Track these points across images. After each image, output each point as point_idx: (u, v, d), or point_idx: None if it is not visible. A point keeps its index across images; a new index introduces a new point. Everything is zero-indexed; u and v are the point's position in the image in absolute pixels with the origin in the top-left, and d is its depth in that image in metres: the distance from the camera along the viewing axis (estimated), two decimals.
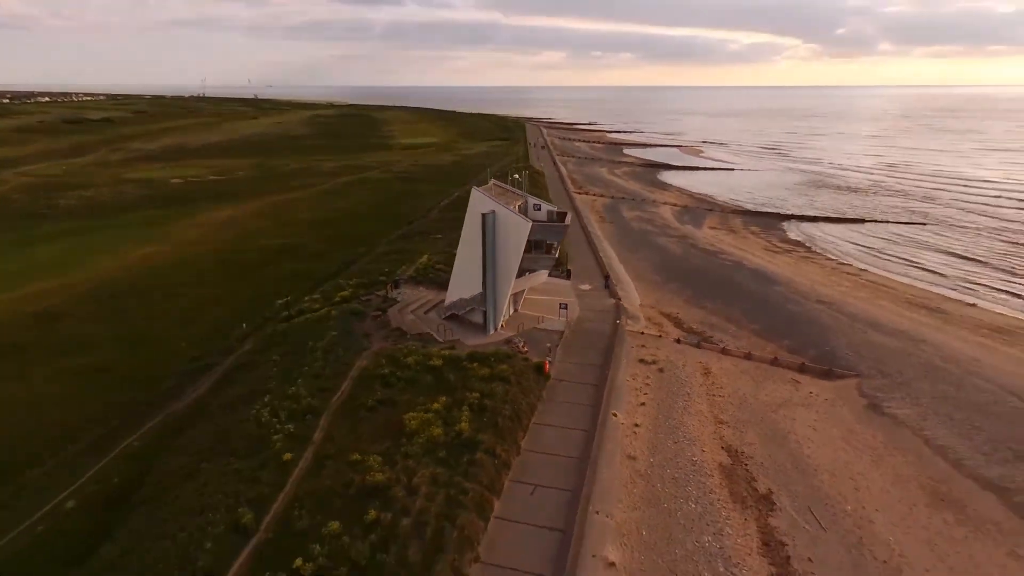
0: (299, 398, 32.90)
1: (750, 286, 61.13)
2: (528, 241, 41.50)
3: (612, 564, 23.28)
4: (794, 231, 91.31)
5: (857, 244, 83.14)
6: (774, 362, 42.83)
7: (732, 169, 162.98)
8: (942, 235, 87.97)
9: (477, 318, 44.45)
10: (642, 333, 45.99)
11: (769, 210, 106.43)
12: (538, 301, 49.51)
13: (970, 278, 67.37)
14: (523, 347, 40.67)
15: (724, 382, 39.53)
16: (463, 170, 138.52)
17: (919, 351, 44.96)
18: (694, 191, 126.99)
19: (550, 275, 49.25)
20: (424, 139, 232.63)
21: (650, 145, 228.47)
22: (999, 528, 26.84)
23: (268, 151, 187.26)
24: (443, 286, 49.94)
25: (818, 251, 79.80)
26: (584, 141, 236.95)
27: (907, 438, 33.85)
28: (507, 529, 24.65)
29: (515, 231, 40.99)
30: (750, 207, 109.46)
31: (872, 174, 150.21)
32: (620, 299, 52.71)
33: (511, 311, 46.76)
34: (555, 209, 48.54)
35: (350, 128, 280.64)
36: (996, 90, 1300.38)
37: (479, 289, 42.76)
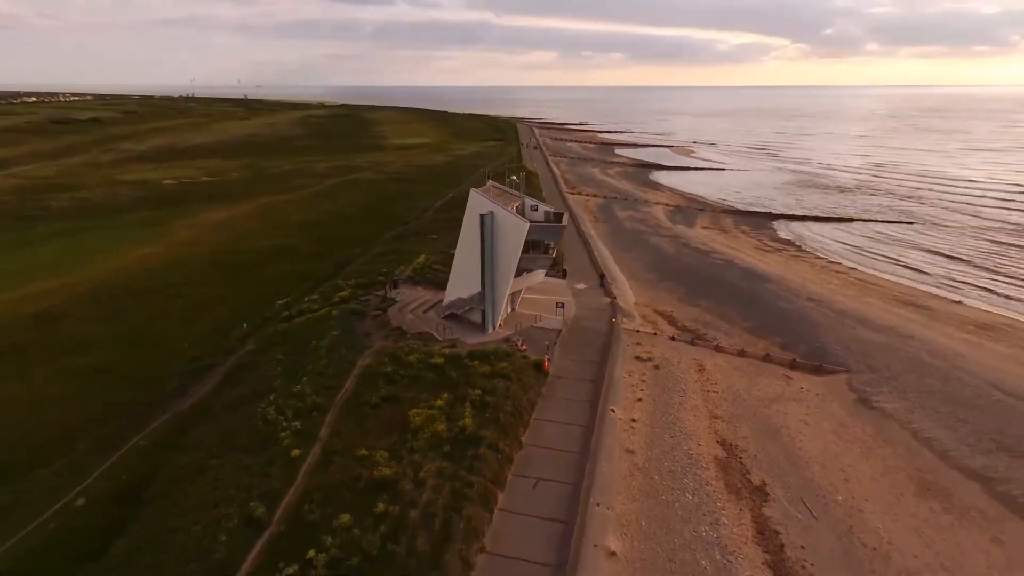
0: (304, 396, 33.56)
1: (742, 284, 62.25)
2: (526, 241, 42.32)
3: (613, 553, 24.13)
4: (784, 230, 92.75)
5: (845, 243, 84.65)
6: (766, 358, 43.89)
7: (722, 169, 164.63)
8: (928, 234, 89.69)
9: (476, 317, 45.21)
10: (637, 331, 46.92)
11: (759, 210, 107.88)
12: (535, 300, 50.35)
13: (954, 276, 68.93)
14: (522, 345, 41.49)
15: (718, 378, 40.52)
16: (456, 171, 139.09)
17: (906, 347, 46.19)
18: (685, 191, 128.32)
19: (547, 275, 50.09)
20: (416, 139, 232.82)
21: (641, 145, 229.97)
22: (983, 515, 27.95)
23: (260, 152, 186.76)
24: (441, 286, 50.70)
25: (808, 250, 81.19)
26: (576, 141, 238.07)
27: (895, 431, 34.96)
28: (511, 520, 25.46)
29: (513, 232, 41.79)
30: (741, 207, 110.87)
31: (860, 174, 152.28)
32: (615, 298, 53.64)
33: (509, 310, 47.56)
34: (552, 210, 49.41)
35: (342, 128, 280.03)
36: (981, 90, 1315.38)
37: (478, 289, 43.52)
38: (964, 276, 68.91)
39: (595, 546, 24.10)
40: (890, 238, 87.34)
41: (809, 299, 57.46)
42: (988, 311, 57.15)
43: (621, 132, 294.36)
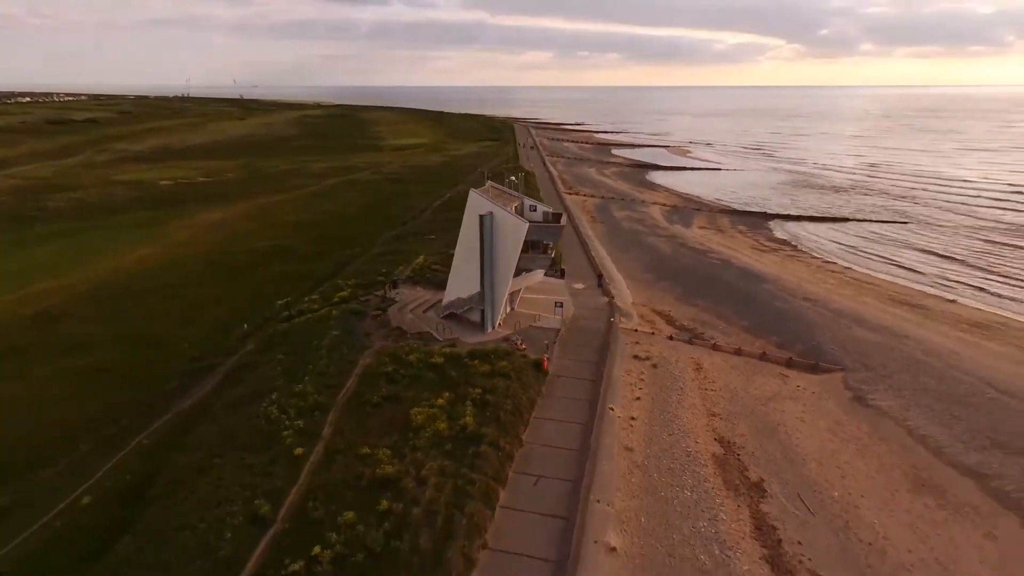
0: (306, 395, 33.80)
1: (739, 284, 62.73)
2: (525, 241, 42.67)
3: (613, 549, 24.47)
4: (780, 230, 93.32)
5: (840, 243, 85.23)
6: (763, 357, 44.32)
7: (719, 169, 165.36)
8: (922, 234, 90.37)
9: (475, 317, 45.51)
10: (635, 330, 47.31)
11: (755, 210, 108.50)
12: (534, 300, 50.69)
13: (949, 275, 69.53)
14: (521, 344, 41.81)
15: (715, 377, 40.92)
16: (453, 171, 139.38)
17: (902, 345, 46.69)
18: (682, 191, 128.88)
19: (545, 275, 50.42)
20: (412, 140, 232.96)
21: (638, 145, 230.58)
22: (977, 511, 28.38)
23: (256, 152, 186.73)
24: (440, 286, 50.97)
25: (804, 250, 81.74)
26: (572, 141, 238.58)
27: (890, 428, 35.41)
28: (513, 517, 25.78)
29: (512, 232, 42.10)
30: (737, 207, 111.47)
31: (854, 174, 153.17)
32: (613, 297, 54.03)
33: (508, 310, 47.87)
34: (550, 210, 49.75)
35: (338, 129, 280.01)
36: (976, 90, 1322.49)
37: (477, 288, 43.82)
38: (958, 275, 69.52)
39: (595, 542, 24.44)
40: (885, 238, 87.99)
41: (805, 298, 57.95)
42: (982, 310, 57.72)
43: (617, 132, 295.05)
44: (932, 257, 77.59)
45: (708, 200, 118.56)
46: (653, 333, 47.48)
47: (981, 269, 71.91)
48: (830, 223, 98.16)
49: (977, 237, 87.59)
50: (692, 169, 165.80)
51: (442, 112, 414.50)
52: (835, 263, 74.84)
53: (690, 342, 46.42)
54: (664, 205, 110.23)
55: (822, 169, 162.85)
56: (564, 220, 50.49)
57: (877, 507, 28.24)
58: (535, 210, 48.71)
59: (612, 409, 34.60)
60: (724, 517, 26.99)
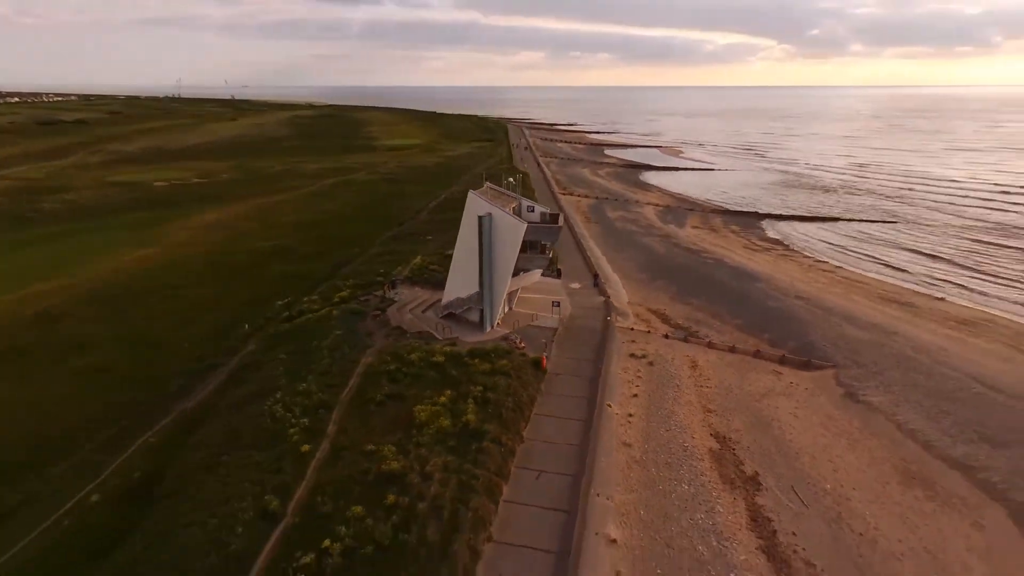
0: (310, 394, 34.37)
1: (732, 283, 63.67)
2: (523, 241, 43.37)
3: (614, 541, 25.21)
4: (772, 230, 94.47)
5: (830, 243, 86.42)
6: (756, 354, 45.22)
7: (711, 169, 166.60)
8: (911, 233, 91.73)
9: (474, 316, 46.16)
10: (631, 329, 48.12)
11: (748, 210, 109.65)
12: (532, 299, 51.41)
13: (937, 274, 70.78)
14: (520, 343, 42.50)
15: (710, 374, 41.78)
16: (448, 172, 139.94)
17: (891, 343, 47.72)
18: (675, 191, 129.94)
19: (542, 274, 51.13)
20: (406, 140, 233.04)
21: (631, 146, 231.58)
22: (964, 502, 29.36)
23: (249, 153, 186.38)
24: (438, 286, 51.59)
25: (795, 249, 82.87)
26: (566, 142, 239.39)
27: (881, 423, 36.38)
28: (516, 511, 26.48)
29: (511, 232, 42.79)
30: (730, 207, 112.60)
31: (844, 174, 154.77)
32: (609, 297, 54.81)
33: (506, 309, 48.54)
34: (547, 211, 50.44)
35: (331, 129, 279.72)
36: (965, 90, 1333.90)
37: (476, 288, 44.48)
38: (946, 274, 70.80)
39: (596, 534, 25.16)
40: (874, 237, 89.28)
41: (797, 297, 58.95)
42: (969, 307, 58.93)
43: (610, 132, 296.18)
44: (920, 256, 78.89)
45: (701, 200, 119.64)
46: (649, 331, 48.30)
47: (968, 268, 73.23)
48: (821, 223, 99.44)
49: (964, 236, 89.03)
50: (685, 169, 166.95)
51: (435, 112, 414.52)
52: (826, 262, 75.99)
53: (685, 340, 47.27)
54: (658, 205, 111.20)
55: (813, 169, 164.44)
56: (561, 221, 51.19)
57: (868, 499, 29.15)
58: (533, 211, 49.36)
59: (610, 406, 35.36)
60: (721, 509, 27.81)
